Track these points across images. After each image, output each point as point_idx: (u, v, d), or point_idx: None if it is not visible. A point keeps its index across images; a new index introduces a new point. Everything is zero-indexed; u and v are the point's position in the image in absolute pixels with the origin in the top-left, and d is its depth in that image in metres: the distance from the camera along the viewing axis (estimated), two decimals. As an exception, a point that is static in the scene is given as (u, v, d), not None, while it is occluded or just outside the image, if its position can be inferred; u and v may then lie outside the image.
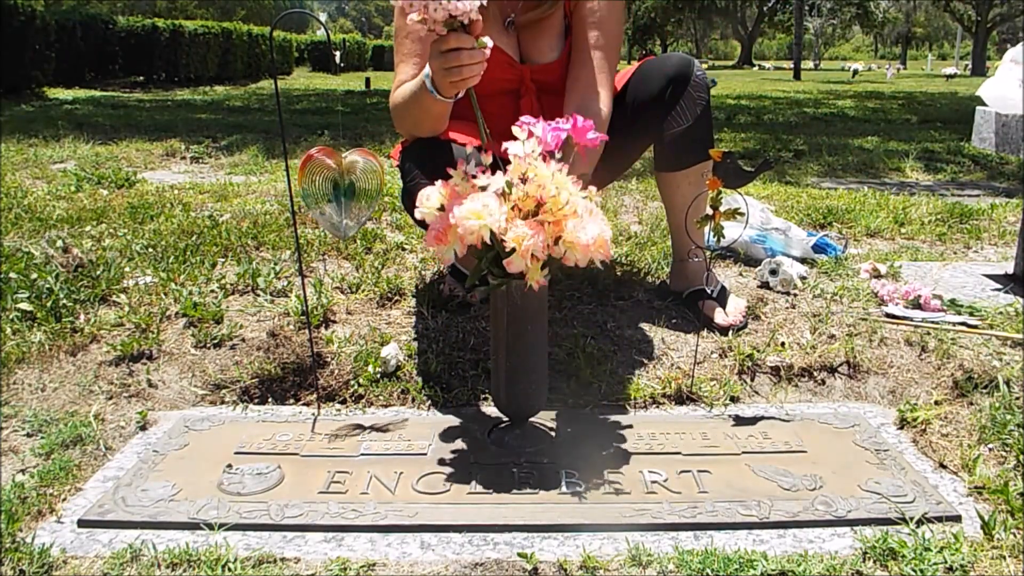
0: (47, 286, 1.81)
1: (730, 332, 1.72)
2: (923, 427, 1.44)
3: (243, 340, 1.68)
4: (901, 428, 1.46)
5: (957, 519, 1.16)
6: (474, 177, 1.20)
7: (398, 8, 1.61)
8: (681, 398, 1.56)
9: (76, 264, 1.98)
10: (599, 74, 1.64)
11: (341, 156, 1.44)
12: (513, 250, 1.14)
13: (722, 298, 1.79)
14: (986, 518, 1.14)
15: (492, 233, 1.14)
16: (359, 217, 1.48)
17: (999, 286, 2.03)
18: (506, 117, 1.49)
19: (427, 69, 1.39)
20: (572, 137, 1.25)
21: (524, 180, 1.17)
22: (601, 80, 1.64)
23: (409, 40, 1.60)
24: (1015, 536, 1.11)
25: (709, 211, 1.43)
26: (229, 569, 1.05)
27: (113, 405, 1.52)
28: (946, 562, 1.05)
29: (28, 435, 1.41)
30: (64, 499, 1.23)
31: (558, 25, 1.69)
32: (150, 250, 2.21)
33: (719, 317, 1.75)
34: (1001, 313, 1.78)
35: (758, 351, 1.65)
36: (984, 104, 4.94)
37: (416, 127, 1.58)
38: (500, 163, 1.21)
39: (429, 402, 1.54)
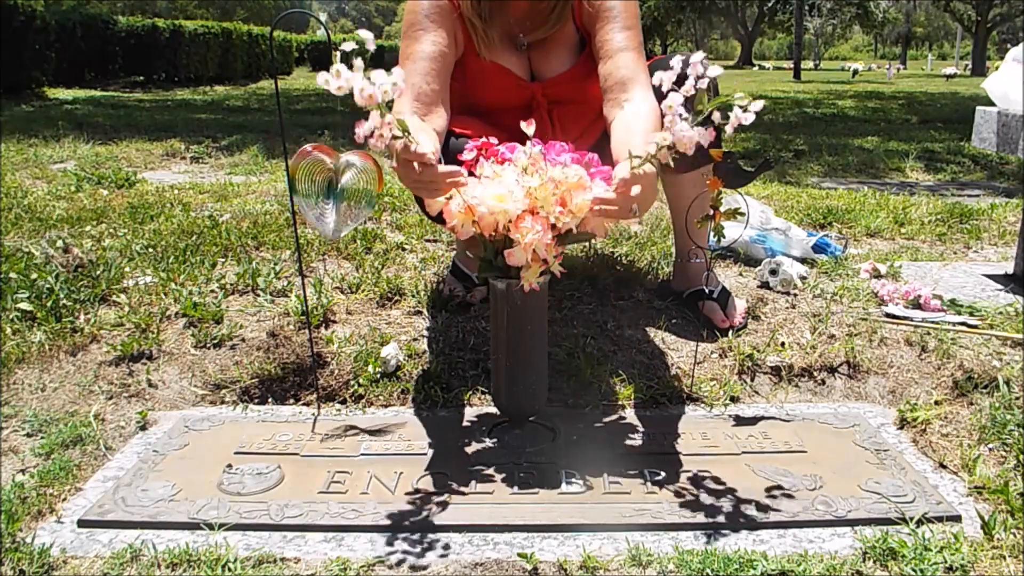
0: (47, 286, 1.81)
1: (730, 332, 1.72)
2: (923, 427, 1.44)
3: (243, 340, 1.68)
4: (901, 428, 1.46)
5: (957, 519, 1.16)
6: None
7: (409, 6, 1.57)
8: (681, 398, 1.56)
9: (76, 264, 1.98)
10: (639, 74, 1.53)
11: (337, 156, 1.43)
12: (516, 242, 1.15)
13: (722, 298, 1.79)
14: (986, 518, 1.14)
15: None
16: (355, 218, 1.47)
17: (999, 286, 2.03)
18: (519, 130, 1.45)
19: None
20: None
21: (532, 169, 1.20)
22: (641, 80, 1.53)
23: (409, 37, 1.54)
24: (1015, 536, 1.11)
25: (709, 211, 1.43)
26: (229, 569, 1.05)
27: (113, 405, 1.52)
28: (946, 562, 1.05)
29: (28, 435, 1.41)
30: (64, 499, 1.23)
31: (570, 39, 1.65)
32: (150, 250, 2.21)
33: (719, 317, 1.75)
34: (1001, 313, 1.78)
35: (758, 351, 1.65)
36: (988, 98, 4.93)
37: None
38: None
39: (429, 402, 1.54)
